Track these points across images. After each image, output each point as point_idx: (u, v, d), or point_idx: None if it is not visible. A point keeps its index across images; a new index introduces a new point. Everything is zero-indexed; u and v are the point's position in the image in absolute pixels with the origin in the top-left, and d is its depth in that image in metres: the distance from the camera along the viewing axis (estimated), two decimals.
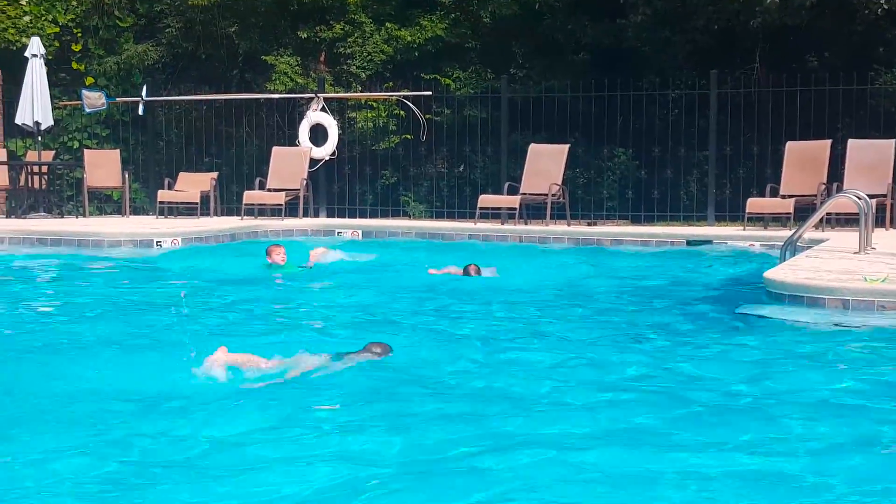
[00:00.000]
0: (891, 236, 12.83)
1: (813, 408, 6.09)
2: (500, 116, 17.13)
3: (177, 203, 16.59)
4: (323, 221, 16.51)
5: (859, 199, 10.71)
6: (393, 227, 15.68)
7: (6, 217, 16.44)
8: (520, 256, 13.53)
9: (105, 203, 18.43)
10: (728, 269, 12.39)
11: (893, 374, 6.98)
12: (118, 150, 17.60)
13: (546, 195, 15.50)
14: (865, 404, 6.17)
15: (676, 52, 17.18)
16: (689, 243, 14.00)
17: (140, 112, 17.83)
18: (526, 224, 15.56)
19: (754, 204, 14.45)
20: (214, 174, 17.10)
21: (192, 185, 16.71)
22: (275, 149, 17.07)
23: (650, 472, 4.90)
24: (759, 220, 14.64)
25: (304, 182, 16.54)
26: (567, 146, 16.03)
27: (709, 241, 13.94)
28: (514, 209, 15.48)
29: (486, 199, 15.80)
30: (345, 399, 6.14)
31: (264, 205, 16.29)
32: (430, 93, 17.31)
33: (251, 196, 16.25)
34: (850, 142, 14.70)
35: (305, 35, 18.28)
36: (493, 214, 15.85)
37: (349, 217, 17.19)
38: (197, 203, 16.39)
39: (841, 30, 16.35)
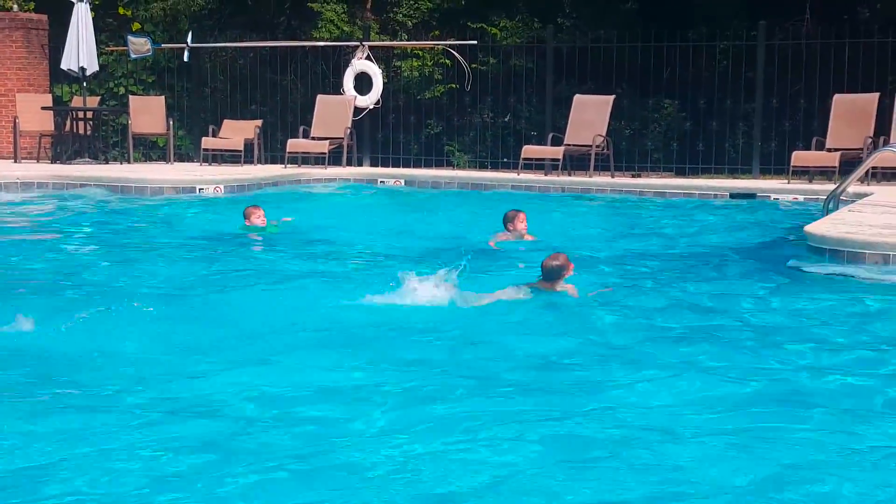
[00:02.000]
0: None
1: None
2: (546, 66, 17.02)
3: (221, 150, 16.68)
4: (366, 170, 16.54)
5: None
6: (436, 177, 15.66)
7: (51, 162, 16.61)
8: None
9: (150, 150, 18.58)
10: (770, 221, 12.30)
11: None
12: (163, 97, 17.69)
13: (590, 146, 15.42)
14: None
15: (726, 3, 16.95)
16: (732, 196, 13.89)
17: (185, 59, 17.91)
18: (569, 175, 15.50)
19: (799, 157, 14.30)
20: (259, 122, 17.16)
21: (237, 132, 16.78)
22: (319, 97, 17.08)
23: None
24: (805, 173, 14.49)
25: (348, 131, 16.55)
26: (612, 97, 15.91)
27: (752, 195, 13.82)
28: (558, 160, 15.42)
29: (529, 150, 15.75)
30: None
31: (308, 153, 16.34)
32: (475, 42, 17.22)
33: (295, 144, 16.30)
34: None
35: None
36: (536, 165, 15.80)
37: (393, 166, 17.19)
38: (241, 151, 16.47)
39: None
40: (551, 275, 7.54)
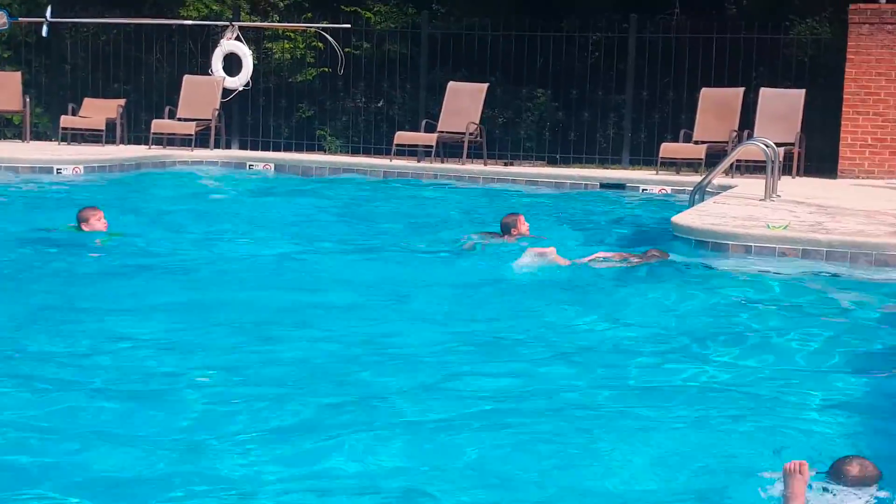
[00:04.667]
0: (797, 184, 12.92)
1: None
2: (420, 52, 16.91)
3: (81, 130, 16.17)
4: (234, 153, 16.22)
5: (767, 147, 10.75)
6: (307, 162, 15.46)
7: None
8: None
9: (5, 128, 17.88)
10: (639, 212, 12.42)
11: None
12: (19, 73, 17.03)
13: (463, 134, 15.37)
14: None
15: None
16: (602, 186, 14.02)
17: (44, 34, 17.26)
18: (442, 162, 15.43)
19: (667, 149, 14.48)
20: (122, 101, 16.67)
21: (98, 111, 16.29)
22: (186, 77, 16.69)
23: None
24: (673, 164, 14.68)
25: (216, 112, 16.21)
26: (486, 85, 15.89)
27: (622, 185, 13.96)
28: (431, 147, 15.34)
29: (402, 136, 15.63)
30: None
31: (174, 134, 15.95)
32: (349, 26, 17.01)
33: (160, 125, 15.90)
34: (762, 90, 14.76)
35: None
36: (409, 152, 15.68)
37: (263, 150, 16.89)
38: (102, 130, 15.98)
39: None
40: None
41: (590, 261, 8.56)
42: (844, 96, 14.19)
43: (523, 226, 9.61)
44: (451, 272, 8.63)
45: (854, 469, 4.14)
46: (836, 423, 5.04)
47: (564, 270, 8.25)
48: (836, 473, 4.15)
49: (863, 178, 13.92)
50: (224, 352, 6.04)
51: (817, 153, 14.82)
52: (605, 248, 9.22)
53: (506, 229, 9.55)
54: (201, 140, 15.97)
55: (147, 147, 15.80)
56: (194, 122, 15.88)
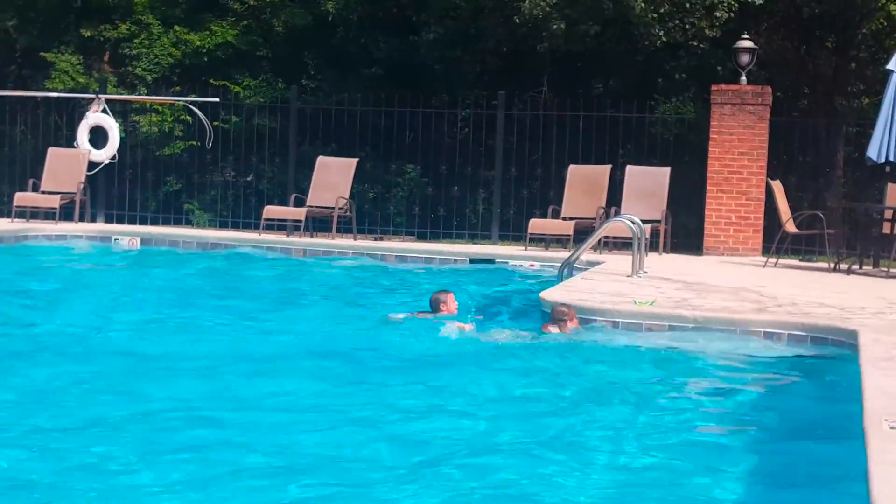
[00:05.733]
0: (663, 261, 13.17)
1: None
2: (290, 127, 16.88)
3: None
4: (100, 227, 15.87)
5: (633, 223, 10.95)
6: (174, 236, 15.18)
7: None
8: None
9: None
10: (508, 287, 12.47)
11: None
12: None
13: (333, 208, 15.33)
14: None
15: (467, 72, 17.33)
16: (471, 261, 14.06)
17: None
18: (312, 237, 15.34)
19: (536, 224, 14.64)
20: None
21: None
22: (51, 149, 16.35)
23: None
24: (541, 240, 14.84)
25: (82, 185, 15.89)
26: (355, 160, 15.91)
27: (491, 261, 14.03)
28: (300, 221, 15.25)
29: (271, 210, 15.51)
30: None
31: (38, 207, 15.58)
32: (217, 99, 16.91)
33: (23, 198, 15.52)
34: (628, 168, 15.05)
35: (89, 33, 17.63)
36: (278, 226, 15.57)
37: (129, 224, 16.58)
38: None
39: (624, 59, 16.80)
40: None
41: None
42: (708, 174, 14.55)
43: (453, 304, 9.53)
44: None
45: None
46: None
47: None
48: None
49: (727, 255, 14.26)
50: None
51: (683, 230, 15.17)
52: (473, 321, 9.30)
53: (435, 306, 9.49)
54: (66, 213, 15.62)
55: (10, 220, 15.38)
56: (59, 195, 15.53)
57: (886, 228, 12.72)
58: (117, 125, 16.59)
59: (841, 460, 5.33)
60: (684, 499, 5.11)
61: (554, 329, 8.71)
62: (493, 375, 7.57)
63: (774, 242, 13.13)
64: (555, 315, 8.82)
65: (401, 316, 9.67)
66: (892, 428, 5.02)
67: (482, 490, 5.10)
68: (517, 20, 15.33)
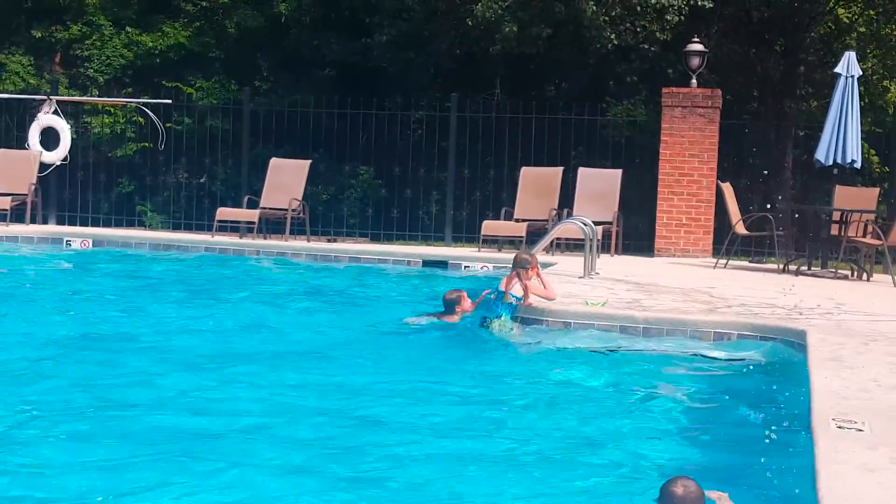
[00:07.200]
0: (615, 262, 13.28)
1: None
2: (243, 128, 16.84)
3: None
4: (51, 229, 15.74)
5: (585, 225, 11.04)
6: (126, 237, 15.10)
7: None
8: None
9: None
10: (461, 288, 12.48)
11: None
12: None
13: (286, 210, 15.31)
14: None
15: (420, 74, 17.37)
16: (425, 263, 14.08)
17: None
18: (265, 238, 15.31)
19: (489, 226, 14.69)
20: None
21: None
22: (1, 151, 16.18)
23: None
24: (494, 242, 14.91)
25: (33, 187, 15.76)
26: (309, 162, 15.89)
27: (445, 263, 14.05)
28: (253, 223, 15.22)
29: (224, 212, 15.47)
30: None
31: None
32: (169, 101, 16.84)
33: None
34: (581, 170, 15.12)
35: (40, 34, 17.51)
36: (231, 228, 15.53)
37: (81, 225, 16.46)
38: None
39: (576, 62, 16.92)
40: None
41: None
42: (659, 176, 14.65)
43: (466, 301, 9.45)
44: None
45: (678, 489, 4.48)
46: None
47: None
48: (663, 497, 4.48)
49: (679, 257, 14.39)
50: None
51: (635, 231, 15.30)
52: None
53: (449, 307, 9.42)
54: (17, 215, 15.49)
55: None
56: (10, 197, 15.39)
57: (835, 230, 12.92)
58: (69, 127, 16.48)
59: (789, 460, 5.41)
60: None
61: (515, 282, 8.78)
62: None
63: (724, 244, 13.27)
64: (517, 263, 8.89)
65: (423, 320, 9.49)
66: (839, 427, 5.12)
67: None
68: (470, 23, 15.41)
